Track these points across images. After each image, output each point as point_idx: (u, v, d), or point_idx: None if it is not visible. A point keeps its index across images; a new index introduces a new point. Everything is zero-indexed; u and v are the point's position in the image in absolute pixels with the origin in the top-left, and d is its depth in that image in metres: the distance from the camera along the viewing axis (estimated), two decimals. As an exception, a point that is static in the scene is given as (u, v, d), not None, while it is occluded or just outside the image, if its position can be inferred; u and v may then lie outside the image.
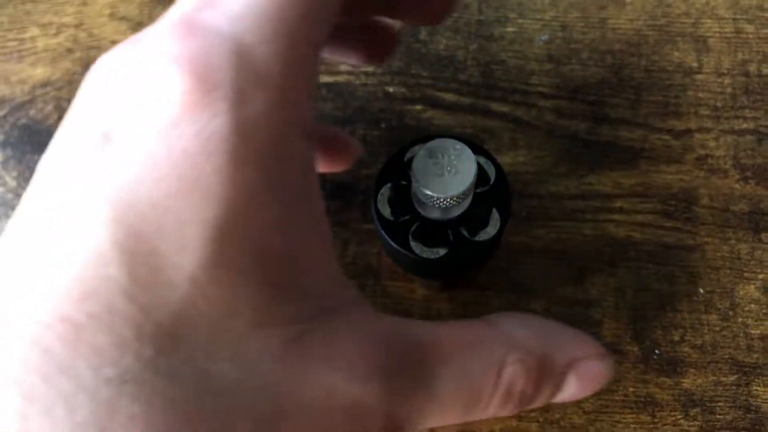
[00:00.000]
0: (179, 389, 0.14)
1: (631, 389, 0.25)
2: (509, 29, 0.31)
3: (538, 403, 0.20)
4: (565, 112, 0.29)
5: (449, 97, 0.29)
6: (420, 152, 0.20)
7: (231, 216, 0.15)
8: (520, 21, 0.31)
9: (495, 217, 0.21)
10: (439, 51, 0.30)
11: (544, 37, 0.30)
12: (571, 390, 0.20)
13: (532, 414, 0.24)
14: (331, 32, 0.17)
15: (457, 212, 0.21)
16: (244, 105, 0.15)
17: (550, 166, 0.28)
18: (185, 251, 0.14)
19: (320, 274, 0.16)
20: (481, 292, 0.26)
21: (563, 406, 0.24)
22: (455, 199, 0.19)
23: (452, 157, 0.20)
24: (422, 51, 0.30)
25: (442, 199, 0.19)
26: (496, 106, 0.29)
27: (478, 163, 0.21)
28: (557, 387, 0.20)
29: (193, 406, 0.14)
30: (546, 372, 0.20)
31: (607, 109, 0.29)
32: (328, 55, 0.25)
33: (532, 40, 0.30)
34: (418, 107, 0.29)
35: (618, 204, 0.27)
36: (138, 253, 0.14)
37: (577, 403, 0.24)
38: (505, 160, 0.28)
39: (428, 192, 0.19)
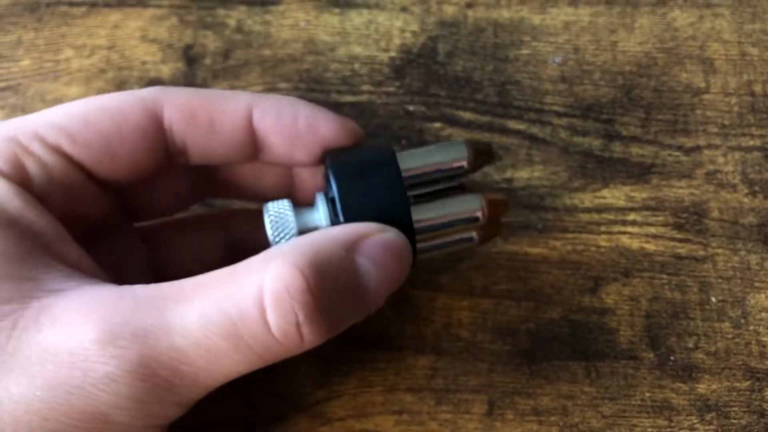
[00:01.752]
0: None
1: (647, 394, 0.25)
2: (524, 51, 0.32)
3: (346, 305, 0.18)
4: (578, 130, 0.30)
5: (467, 115, 0.31)
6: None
7: None
8: (534, 44, 0.32)
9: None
10: (456, 72, 0.32)
11: (558, 59, 0.32)
12: (372, 274, 0.18)
13: (552, 419, 0.25)
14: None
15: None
16: None
17: (565, 181, 0.29)
18: None
19: (38, 264, 0.18)
20: (500, 300, 0.27)
21: (582, 410, 0.25)
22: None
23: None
24: (440, 72, 0.32)
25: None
26: (512, 124, 0.30)
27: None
28: (353, 277, 0.17)
29: None
30: (324, 265, 0.16)
31: (618, 127, 0.30)
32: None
33: (546, 62, 0.32)
34: (437, 125, 0.31)
35: (631, 217, 0.28)
36: None
37: (596, 408, 0.25)
38: (521, 175, 0.29)
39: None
